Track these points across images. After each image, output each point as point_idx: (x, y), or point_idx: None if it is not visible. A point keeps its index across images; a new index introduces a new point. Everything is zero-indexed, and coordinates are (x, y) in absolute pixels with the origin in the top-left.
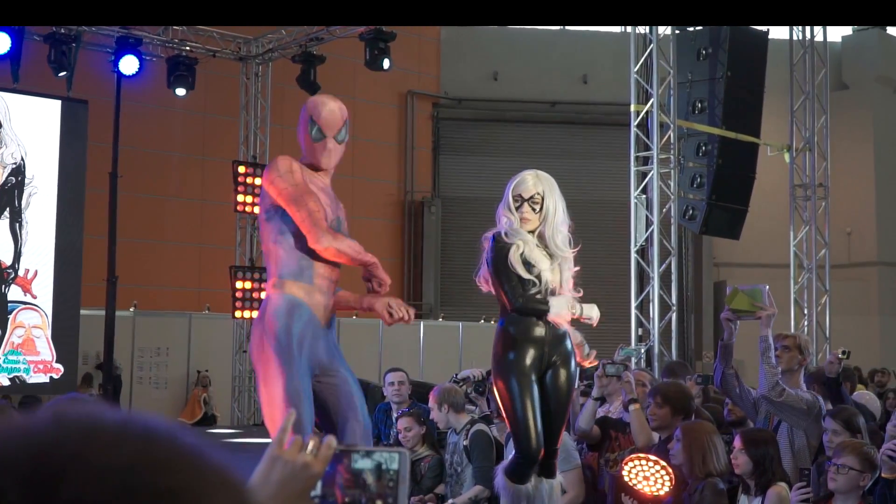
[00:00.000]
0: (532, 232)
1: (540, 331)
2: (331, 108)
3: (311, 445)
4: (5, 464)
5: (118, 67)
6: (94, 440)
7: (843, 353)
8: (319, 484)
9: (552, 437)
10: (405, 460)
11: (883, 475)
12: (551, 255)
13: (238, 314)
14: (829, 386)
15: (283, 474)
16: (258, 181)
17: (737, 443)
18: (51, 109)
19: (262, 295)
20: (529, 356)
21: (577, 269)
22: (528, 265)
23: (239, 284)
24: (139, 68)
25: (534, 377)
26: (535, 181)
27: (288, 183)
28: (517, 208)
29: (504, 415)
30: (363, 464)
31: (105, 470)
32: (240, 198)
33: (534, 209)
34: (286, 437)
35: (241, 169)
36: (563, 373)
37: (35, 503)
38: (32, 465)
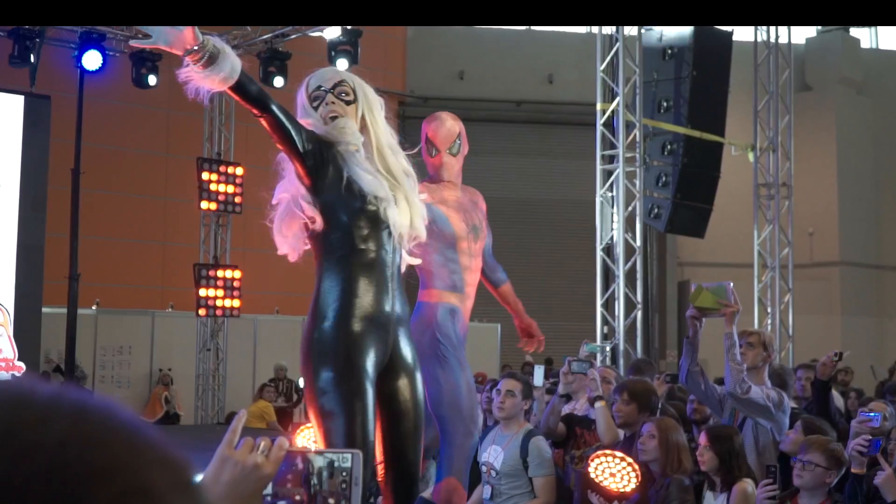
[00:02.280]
0: None
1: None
2: (437, 125)
3: (262, 446)
4: None
5: (81, 63)
6: (24, 415)
7: (837, 355)
8: (271, 484)
9: None
10: (358, 461)
11: (852, 471)
12: None
13: (202, 312)
14: (817, 388)
15: (234, 475)
16: (222, 178)
17: (702, 439)
18: (13, 105)
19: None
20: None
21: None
22: None
23: (203, 282)
24: (102, 64)
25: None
26: (334, 71)
27: None
28: (316, 108)
29: None
30: (315, 463)
31: (35, 446)
32: (204, 195)
33: (344, 100)
34: (236, 437)
35: (206, 166)
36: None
37: None
38: None
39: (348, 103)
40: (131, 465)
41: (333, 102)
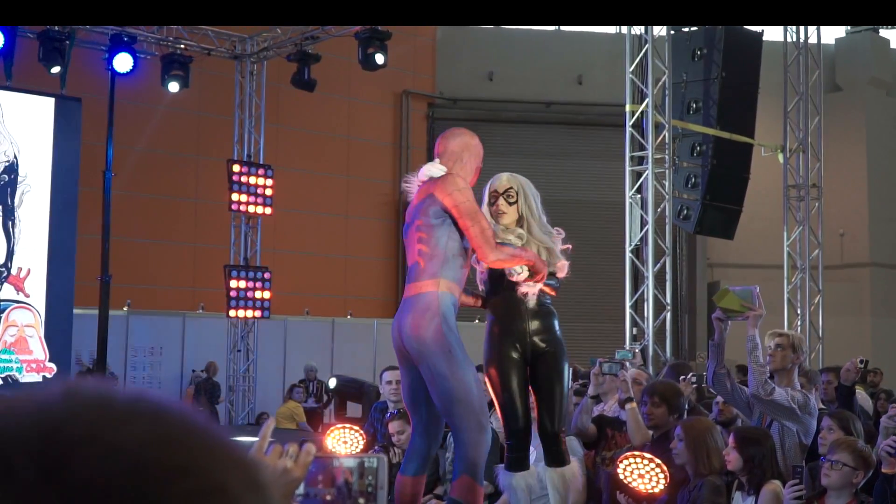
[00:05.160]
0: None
1: (520, 323)
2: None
3: (290, 451)
4: (17, 441)
5: (112, 65)
6: (106, 416)
7: (862, 361)
8: (302, 485)
9: (545, 421)
10: (384, 465)
11: (883, 470)
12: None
13: (232, 313)
14: (842, 393)
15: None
16: (252, 180)
17: (730, 441)
18: (44, 107)
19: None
20: (511, 345)
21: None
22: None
23: (233, 283)
24: (133, 66)
25: (518, 362)
26: (509, 178)
27: (465, 198)
28: (491, 203)
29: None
30: (345, 463)
31: (116, 447)
32: (234, 197)
33: (509, 202)
34: (265, 443)
35: (236, 168)
36: (546, 357)
37: (44, 481)
38: (43, 441)
39: (511, 203)
40: (208, 465)
41: (501, 205)
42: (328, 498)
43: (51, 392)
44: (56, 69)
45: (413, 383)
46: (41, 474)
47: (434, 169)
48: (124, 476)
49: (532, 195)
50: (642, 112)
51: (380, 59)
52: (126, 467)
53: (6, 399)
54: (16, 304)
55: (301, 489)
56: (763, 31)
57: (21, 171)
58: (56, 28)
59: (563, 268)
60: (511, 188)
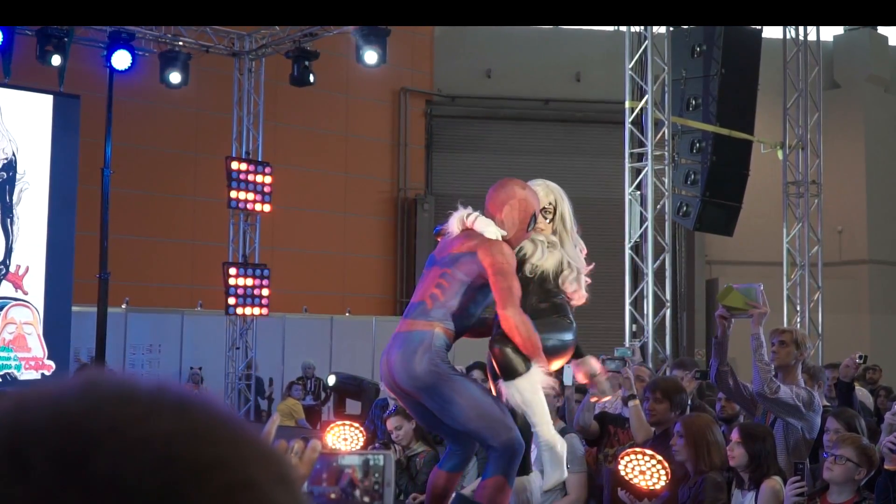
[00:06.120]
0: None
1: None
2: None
3: (295, 448)
4: (34, 436)
5: (110, 62)
6: (129, 410)
7: (861, 357)
8: (307, 483)
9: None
10: (390, 462)
11: (885, 467)
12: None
13: (231, 311)
14: (841, 389)
15: None
16: (251, 177)
17: (734, 436)
18: (43, 104)
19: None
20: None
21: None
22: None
23: (232, 281)
24: (132, 63)
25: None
26: (545, 191)
27: (506, 261)
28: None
29: None
30: (350, 461)
31: (140, 441)
32: (233, 194)
33: (546, 218)
34: (270, 439)
35: (234, 165)
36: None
37: (64, 477)
38: (63, 437)
39: (549, 221)
40: (236, 458)
41: (538, 220)
42: (333, 497)
43: (69, 385)
44: (56, 60)
45: (419, 411)
46: (60, 470)
47: (490, 228)
48: (150, 471)
49: (567, 208)
50: (641, 109)
51: (372, 56)
52: (151, 462)
53: (21, 392)
54: (14, 302)
55: (305, 487)
56: (762, 28)
57: (19, 169)
58: (54, 25)
59: (579, 295)
60: (549, 203)
